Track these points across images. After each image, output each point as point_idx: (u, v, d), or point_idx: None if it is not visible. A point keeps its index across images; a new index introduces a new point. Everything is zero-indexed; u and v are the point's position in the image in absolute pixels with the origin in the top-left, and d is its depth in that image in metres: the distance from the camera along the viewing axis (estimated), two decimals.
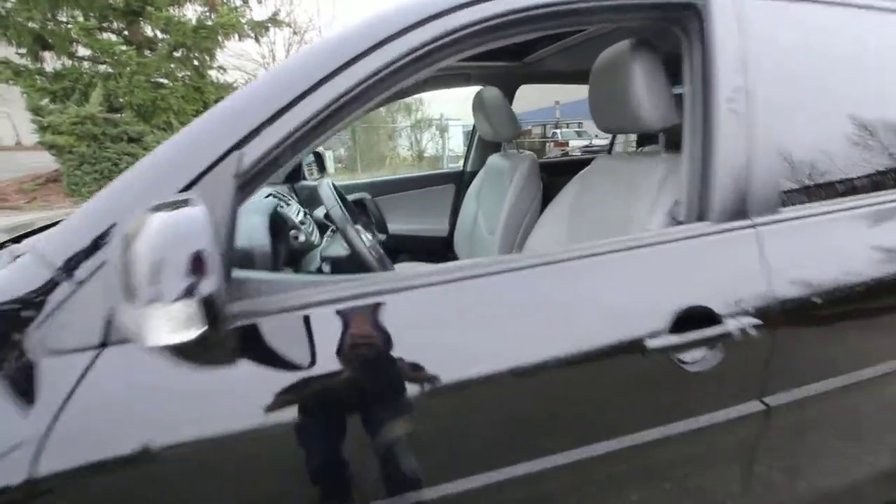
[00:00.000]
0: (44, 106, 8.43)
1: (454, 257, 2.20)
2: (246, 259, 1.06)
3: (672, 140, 1.17)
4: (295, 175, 2.12)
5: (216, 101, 1.18)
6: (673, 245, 0.82)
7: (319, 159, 2.37)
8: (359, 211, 2.26)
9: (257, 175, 0.67)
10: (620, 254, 0.79)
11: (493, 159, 2.01)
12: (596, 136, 15.04)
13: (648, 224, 0.99)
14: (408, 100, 17.29)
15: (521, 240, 1.76)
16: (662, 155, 1.10)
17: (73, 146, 8.18)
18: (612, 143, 2.81)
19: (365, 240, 1.18)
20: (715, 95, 0.83)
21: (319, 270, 1.34)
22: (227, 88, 10.02)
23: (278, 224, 1.34)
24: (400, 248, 2.31)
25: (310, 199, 2.15)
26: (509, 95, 2.19)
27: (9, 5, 8.76)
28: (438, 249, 2.34)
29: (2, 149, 14.77)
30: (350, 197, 2.20)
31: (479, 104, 1.89)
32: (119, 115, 8.75)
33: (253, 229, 1.18)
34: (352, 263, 1.13)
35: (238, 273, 0.67)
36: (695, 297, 0.78)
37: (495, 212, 1.83)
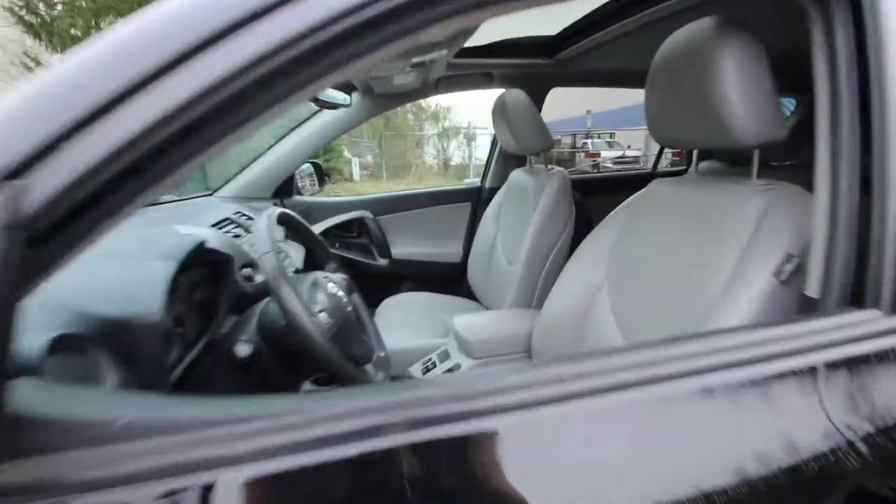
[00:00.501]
0: None
1: (466, 287, 1.88)
2: (121, 341, 0.59)
3: (767, 160, 0.83)
4: (285, 189, 1.85)
5: None
6: (802, 345, 0.47)
7: (318, 170, 2.09)
8: (357, 233, 1.98)
9: (71, 218, 0.37)
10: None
11: (517, 176, 1.69)
12: (629, 146, 14.50)
13: (738, 280, 0.67)
14: (435, 108, 17.14)
15: (547, 276, 1.43)
16: (755, 182, 0.76)
17: None
18: (658, 158, 2.42)
19: (327, 306, 0.82)
20: (891, 100, 0.49)
21: (243, 366, 0.85)
22: None
23: (219, 265, 0.98)
24: (405, 275, 2.01)
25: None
26: (538, 100, 1.87)
27: (54, 13, 9.02)
28: (449, 277, 2.02)
29: None
30: (347, 216, 1.91)
31: (500, 109, 1.58)
32: None
33: (138, 286, 0.70)
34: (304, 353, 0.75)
35: (26, 394, 0.37)
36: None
37: (517, 239, 1.51)
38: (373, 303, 1.85)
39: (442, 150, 15.86)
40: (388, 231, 1.98)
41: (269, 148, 1.80)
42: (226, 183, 1.74)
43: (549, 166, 1.59)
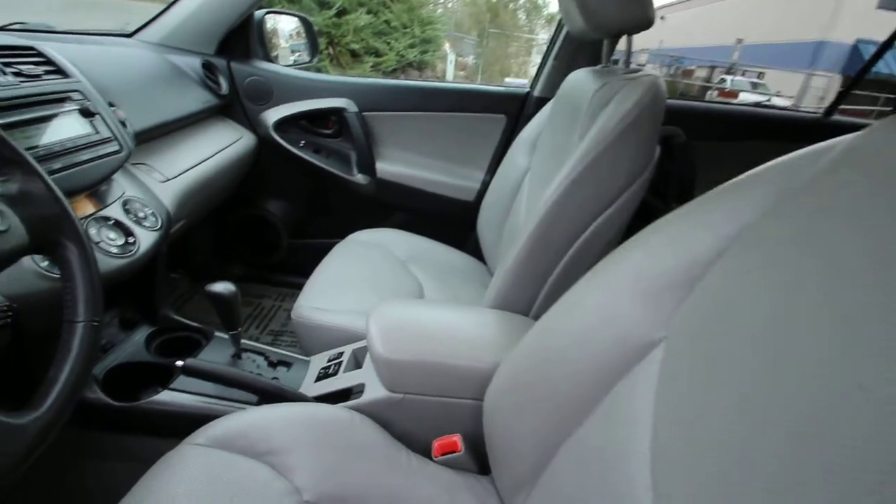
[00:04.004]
0: None
1: (475, 240, 1.27)
2: None
3: None
4: (237, 44, 1.27)
5: None
6: None
7: (310, 31, 1.48)
8: (333, 130, 1.37)
9: None
10: None
11: (575, 78, 0.97)
12: (778, 92, 11.83)
13: None
14: (556, 13, 15.00)
15: (572, 263, 0.78)
16: None
17: None
18: (832, 108, 1.38)
19: None
20: None
21: None
22: None
23: None
24: (391, 204, 1.43)
25: (258, 95, 1.30)
26: None
27: None
28: (455, 219, 1.41)
29: None
30: (321, 103, 1.32)
31: None
32: None
33: None
34: None
35: None
36: None
37: (546, 179, 0.87)
38: (336, 233, 1.31)
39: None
40: (378, 136, 1.37)
41: None
42: (148, 23, 1.19)
43: (635, 66, 0.86)
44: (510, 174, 1.13)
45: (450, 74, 12.14)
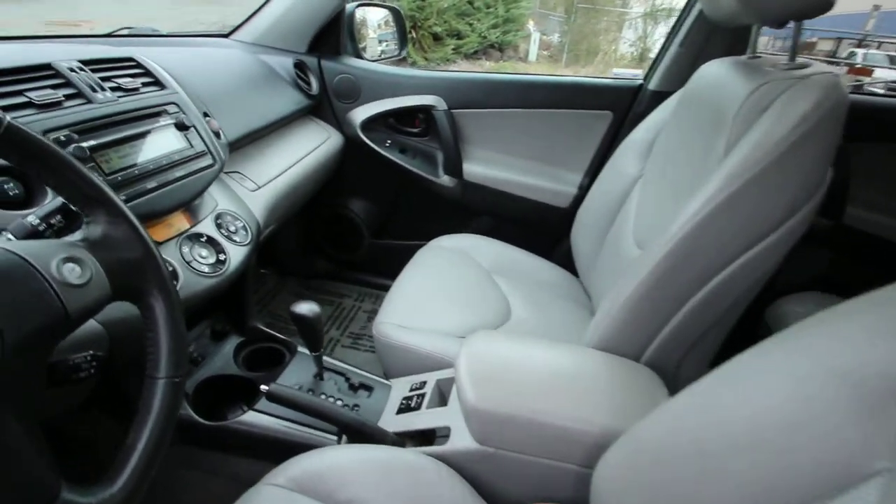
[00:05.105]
0: None
1: (566, 250, 1.15)
2: None
3: None
4: (327, 41, 1.23)
5: None
6: None
7: (400, 21, 1.41)
8: (420, 129, 1.30)
9: None
10: None
11: (714, 71, 0.80)
12: None
13: None
14: None
15: (708, 312, 0.65)
16: None
17: None
18: None
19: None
20: None
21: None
22: None
23: None
24: (477, 208, 1.34)
25: (345, 92, 1.26)
26: None
27: None
28: (546, 228, 1.29)
29: None
30: (409, 101, 1.25)
31: None
32: None
33: None
34: None
35: None
36: None
37: (673, 199, 0.73)
38: (418, 234, 1.25)
39: (644, 35, 12.97)
40: (467, 135, 1.28)
41: None
42: (244, 23, 1.18)
43: (803, 61, 0.68)
44: (616, 180, 0.99)
45: (533, 54, 11.64)
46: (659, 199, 0.83)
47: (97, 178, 0.40)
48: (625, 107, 1.17)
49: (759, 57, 0.76)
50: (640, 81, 1.18)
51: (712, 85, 0.76)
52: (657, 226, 0.77)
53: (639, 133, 0.98)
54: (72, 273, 0.35)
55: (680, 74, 1.03)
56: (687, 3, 1.08)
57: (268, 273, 1.50)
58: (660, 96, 1.02)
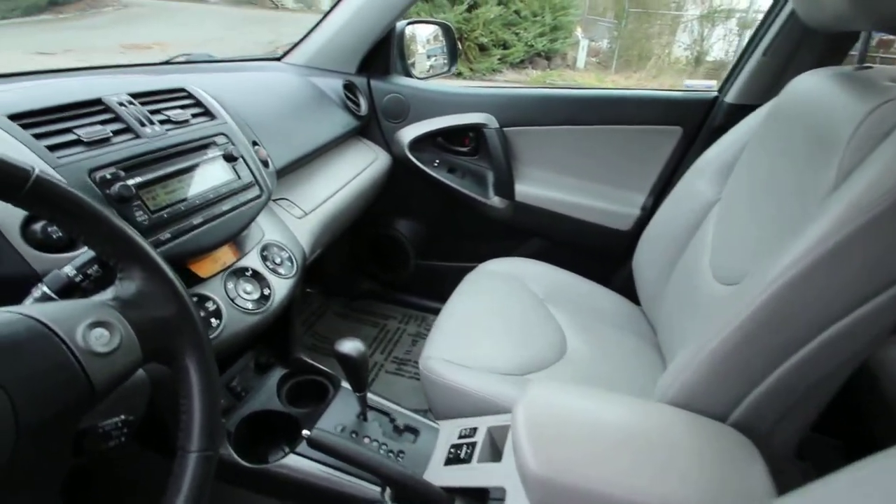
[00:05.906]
0: None
1: (626, 275, 1.06)
2: None
3: None
4: (376, 62, 1.20)
5: None
6: None
7: (450, 37, 1.37)
8: (470, 147, 1.25)
9: None
10: None
11: (815, 86, 0.69)
12: None
13: None
14: None
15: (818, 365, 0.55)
16: None
17: None
18: None
19: None
20: None
21: None
22: None
23: None
24: (531, 228, 1.26)
25: (394, 112, 1.23)
26: None
27: None
28: (604, 252, 1.20)
29: None
30: (459, 119, 1.20)
31: None
32: None
33: None
34: None
35: None
36: None
37: (767, 231, 0.64)
38: (466, 256, 1.20)
39: (700, 38, 12.38)
40: (519, 154, 1.21)
41: None
42: (296, 45, 1.18)
43: None
44: (688, 203, 0.89)
45: (581, 62, 11.38)
46: (745, 230, 0.73)
47: (132, 232, 0.37)
48: (697, 122, 1.06)
49: (871, 68, 0.66)
50: (715, 93, 1.07)
51: (814, 100, 0.66)
52: (744, 262, 0.68)
53: (716, 151, 0.88)
54: (99, 340, 0.32)
55: (764, 86, 0.92)
56: (773, 5, 0.96)
57: (313, 292, 1.49)
58: (739, 110, 0.91)
